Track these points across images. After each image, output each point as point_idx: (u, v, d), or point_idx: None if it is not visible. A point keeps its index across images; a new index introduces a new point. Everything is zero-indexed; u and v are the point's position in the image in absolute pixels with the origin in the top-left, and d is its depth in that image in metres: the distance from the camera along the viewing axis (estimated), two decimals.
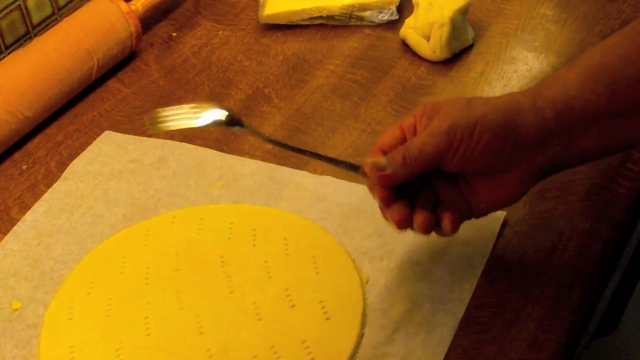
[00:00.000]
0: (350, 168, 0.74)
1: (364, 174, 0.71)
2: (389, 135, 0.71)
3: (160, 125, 0.76)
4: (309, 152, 0.75)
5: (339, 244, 0.82)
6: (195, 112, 0.76)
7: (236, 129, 0.76)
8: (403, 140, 0.70)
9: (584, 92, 0.66)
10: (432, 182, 0.71)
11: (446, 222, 0.70)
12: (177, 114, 0.76)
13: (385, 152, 0.70)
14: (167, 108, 0.77)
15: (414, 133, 0.70)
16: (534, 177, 0.69)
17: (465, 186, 0.71)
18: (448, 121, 0.67)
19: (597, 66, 0.67)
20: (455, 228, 0.70)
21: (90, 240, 0.86)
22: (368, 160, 0.69)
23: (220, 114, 0.76)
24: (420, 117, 0.70)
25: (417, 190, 0.71)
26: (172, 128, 0.76)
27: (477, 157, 0.67)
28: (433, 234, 0.72)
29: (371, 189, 0.71)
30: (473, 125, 0.67)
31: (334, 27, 1.12)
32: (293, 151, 0.76)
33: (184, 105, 0.77)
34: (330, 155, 0.92)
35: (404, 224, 0.70)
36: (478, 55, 1.05)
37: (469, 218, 0.72)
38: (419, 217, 0.69)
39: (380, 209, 0.72)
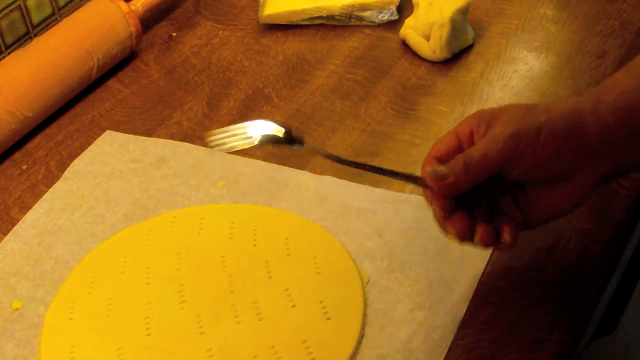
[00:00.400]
0: (408, 179, 0.71)
1: (423, 185, 0.68)
2: (445, 142, 0.69)
3: (220, 146, 0.75)
4: (369, 166, 0.72)
5: (340, 244, 0.82)
6: (252, 130, 0.75)
7: (296, 146, 0.74)
8: (459, 148, 0.68)
9: None
10: (489, 192, 0.69)
11: (506, 235, 0.67)
12: (235, 134, 0.75)
13: (441, 161, 0.68)
14: (224, 128, 0.76)
15: (471, 141, 0.68)
16: (594, 185, 0.68)
17: (522, 197, 0.69)
18: (512, 127, 0.66)
19: None
20: (515, 241, 0.68)
21: (91, 239, 0.86)
22: (428, 169, 0.67)
23: (277, 131, 0.74)
24: (478, 124, 0.68)
25: (473, 201, 0.69)
26: (231, 149, 0.75)
27: (541, 163, 0.66)
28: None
29: (429, 199, 0.68)
30: (537, 130, 0.65)
31: (334, 27, 1.12)
32: (356, 167, 0.73)
33: (242, 125, 0.76)
34: (329, 154, 0.92)
35: (465, 235, 0.67)
36: (478, 55, 1.05)
37: (524, 229, 0.70)
38: (481, 230, 0.67)
39: (438, 221, 0.69)
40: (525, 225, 0.69)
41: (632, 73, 0.67)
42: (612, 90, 0.67)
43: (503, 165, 0.66)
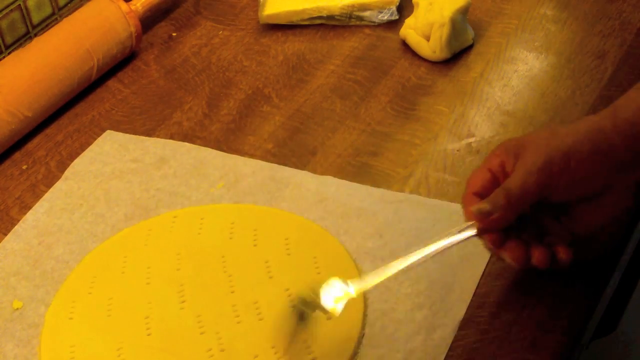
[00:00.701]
0: (461, 232, 0.71)
1: (478, 232, 0.70)
2: (479, 178, 0.71)
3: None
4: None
5: (340, 244, 0.82)
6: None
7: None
8: (494, 181, 0.71)
9: None
10: (534, 214, 0.71)
11: (562, 255, 0.70)
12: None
13: (480, 196, 0.70)
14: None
15: (504, 172, 0.70)
16: (632, 194, 0.70)
17: (564, 215, 0.71)
18: (542, 157, 0.68)
19: None
20: (570, 259, 0.70)
21: (91, 239, 0.86)
22: (472, 208, 0.69)
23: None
24: (506, 156, 0.70)
25: (520, 224, 0.71)
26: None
27: (576, 185, 0.68)
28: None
29: (480, 235, 0.71)
30: (567, 156, 0.68)
31: (334, 27, 1.12)
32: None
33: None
34: (332, 155, 0.92)
35: (522, 261, 0.70)
36: (478, 55, 1.05)
37: (573, 245, 0.71)
38: (537, 253, 0.69)
39: (491, 249, 0.72)
40: (573, 242, 0.71)
41: None
42: (628, 107, 0.69)
43: (542, 193, 0.68)
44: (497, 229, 0.69)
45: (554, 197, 0.69)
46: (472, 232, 0.70)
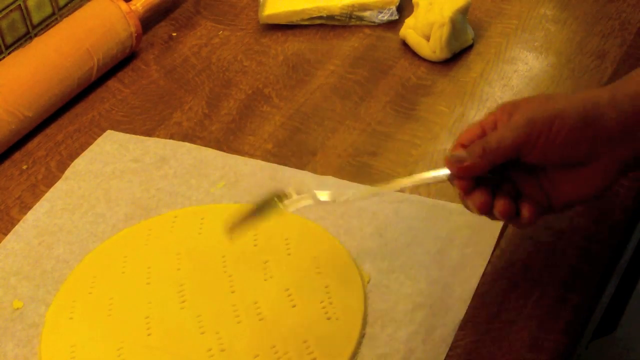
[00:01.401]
0: (437, 178, 0.74)
1: (451, 172, 0.72)
2: (469, 132, 0.73)
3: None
4: (396, 182, 0.75)
5: (340, 243, 0.82)
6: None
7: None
8: (482, 135, 0.72)
9: None
10: (513, 175, 0.72)
11: (525, 211, 0.71)
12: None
13: (465, 147, 0.72)
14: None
15: (495, 129, 0.72)
16: (617, 171, 0.70)
17: (545, 179, 0.71)
18: (527, 115, 0.69)
19: None
20: (532, 219, 0.71)
21: (91, 239, 0.86)
22: (448, 154, 0.71)
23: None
24: (501, 114, 0.72)
25: (499, 183, 0.72)
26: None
27: (556, 149, 0.69)
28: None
29: (451, 180, 0.72)
30: (552, 118, 0.68)
31: (334, 27, 1.12)
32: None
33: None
34: (332, 155, 0.92)
35: (484, 209, 0.71)
36: (478, 55, 1.05)
37: (548, 212, 0.72)
38: (500, 204, 0.71)
39: (461, 198, 0.73)
40: (550, 207, 0.72)
41: None
42: (631, 82, 0.70)
43: (518, 150, 0.69)
44: (468, 177, 0.71)
45: (531, 157, 0.70)
46: (445, 174, 0.72)
